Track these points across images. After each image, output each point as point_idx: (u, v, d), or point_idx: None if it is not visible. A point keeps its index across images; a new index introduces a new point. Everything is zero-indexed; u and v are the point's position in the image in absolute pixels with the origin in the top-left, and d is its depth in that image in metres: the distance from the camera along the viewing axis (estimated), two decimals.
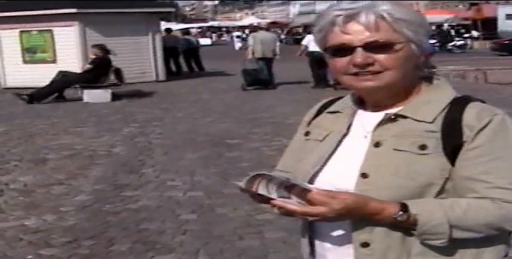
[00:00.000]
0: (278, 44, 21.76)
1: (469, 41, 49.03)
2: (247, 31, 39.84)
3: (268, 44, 20.60)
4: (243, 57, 21.57)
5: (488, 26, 51.42)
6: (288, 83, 21.72)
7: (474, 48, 46.38)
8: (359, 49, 1.95)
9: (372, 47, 1.95)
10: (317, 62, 19.21)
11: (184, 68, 29.14)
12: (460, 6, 75.36)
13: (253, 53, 20.61)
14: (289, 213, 1.94)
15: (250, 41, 21.52)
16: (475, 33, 51.14)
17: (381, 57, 1.96)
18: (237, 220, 6.63)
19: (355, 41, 1.95)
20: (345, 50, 1.97)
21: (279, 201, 1.93)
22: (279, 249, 5.75)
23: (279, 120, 13.28)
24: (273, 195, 1.94)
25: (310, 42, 19.47)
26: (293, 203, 1.93)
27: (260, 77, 20.48)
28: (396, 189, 1.93)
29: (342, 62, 1.99)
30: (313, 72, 20.46)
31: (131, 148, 10.80)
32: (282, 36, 65.05)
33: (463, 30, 50.81)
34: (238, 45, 50.41)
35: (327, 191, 1.90)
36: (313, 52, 19.24)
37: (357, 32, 1.95)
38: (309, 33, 22.78)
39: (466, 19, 55.31)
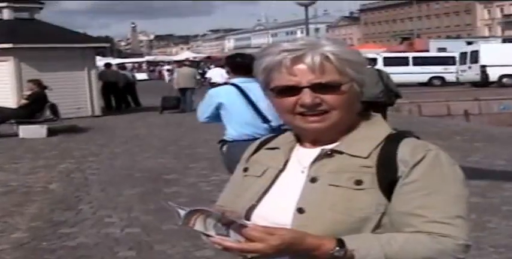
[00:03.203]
0: (198, 77, 28.07)
1: None
2: (175, 66, 42.20)
3: (189, 77, 26.20)
4: (171, 88, 26.83)
5: None
6: None
7: None
8: (306, 90, 1.98)
9: (318, 87, 1.98)
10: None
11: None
12: (392, 41, 76.59)
13: (177, 84, 26.17)
14: (227, 250, 1.93)
15: (175, 74, 27.76)
16: None
17: (327, 97, 1.99)
18: (175, 257, 6.58)
19: (303, 82, 1.98)
20: (291, 90, 2.00)
21: (216, 238, 1.92)
22: None
23: (216, 155, 13.14)
24: (211, 232, 1.93)
25: (213, 75, 28.38)
26: (230, 240, 1.92)
27: (174, 103, 25.45)
28: (333, 224, 1.94)
29: (288, 101, 2.02)
30: None
31: (68, 185, 10.67)
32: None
33: None
34: (167, 78, 52.45)
35: (264, 227, 1.90)
36: (213, 83, 26.05)
37: (304, 73, 1.98)
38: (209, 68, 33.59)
39: (398, 53, 56.24)
